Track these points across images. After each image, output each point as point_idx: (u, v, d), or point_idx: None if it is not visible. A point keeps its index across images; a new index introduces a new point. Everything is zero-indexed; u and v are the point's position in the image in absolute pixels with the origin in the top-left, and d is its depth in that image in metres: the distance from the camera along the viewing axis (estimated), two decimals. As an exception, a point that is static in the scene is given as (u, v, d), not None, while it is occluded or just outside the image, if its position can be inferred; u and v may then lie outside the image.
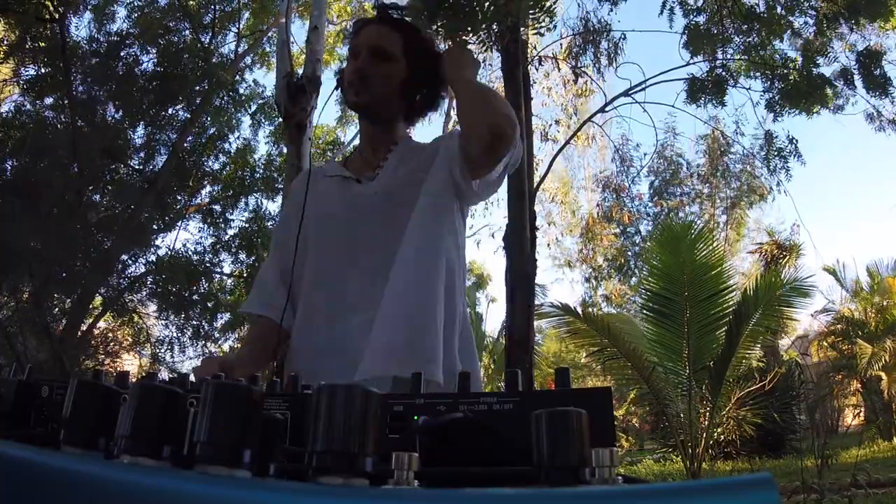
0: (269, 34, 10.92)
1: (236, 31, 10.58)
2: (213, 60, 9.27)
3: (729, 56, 7.06)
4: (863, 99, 6.95)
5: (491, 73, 10.20)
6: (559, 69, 8.79)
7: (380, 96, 1.37)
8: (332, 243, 1.34)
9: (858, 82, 6.77)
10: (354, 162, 1.46)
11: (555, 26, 5.67)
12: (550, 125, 10.04)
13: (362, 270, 1.28)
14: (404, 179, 1.35)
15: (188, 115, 9.33)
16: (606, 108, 7.50)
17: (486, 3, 1.42)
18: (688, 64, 7.03)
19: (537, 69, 8.15)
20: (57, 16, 7.88)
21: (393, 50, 1.36)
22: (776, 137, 7.27)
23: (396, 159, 1.40)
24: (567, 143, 8.49)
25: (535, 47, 8.03)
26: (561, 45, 8.18)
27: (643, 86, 7.21)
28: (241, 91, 10.34)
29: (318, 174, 1.46)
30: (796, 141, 7.21)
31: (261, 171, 10.45)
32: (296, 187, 1.48)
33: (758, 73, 6.97)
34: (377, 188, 1.36)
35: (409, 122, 1.49)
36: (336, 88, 1.48)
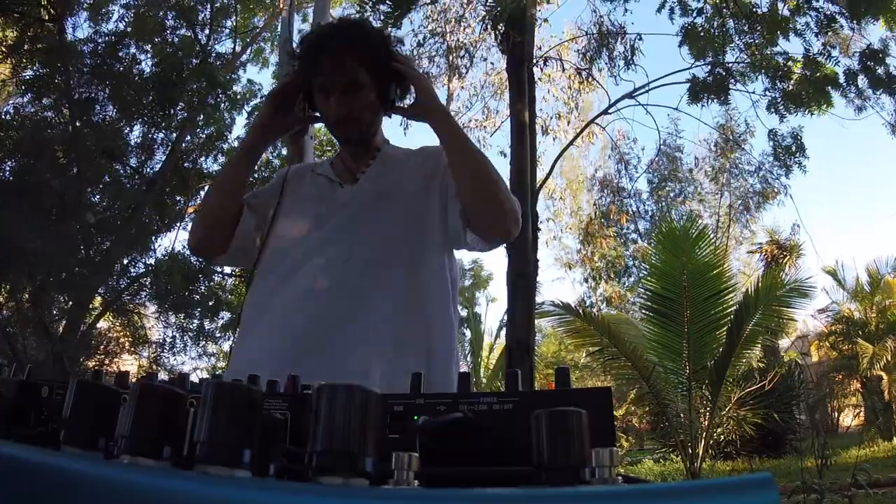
0: (266, 31, 10.88)
1: (231, 27, 10.53)
2: (210, 59, 9.24)
3: (730, 56, 7.02)
4: (868, 103, 6.91)
5: (495, 74, 10.20)
6: (563, 69, 8.75)
7: (366, 125, 1.43)
8: (301, 236, 1.38)
9: (862, 85, 6.73)
10: (337, 166, 1.51)
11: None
12: (551, 118, 9.95)
13: (317, 265, 1.32)
14: (382, 190, 1.40)
15: (185, 115, 9.30)
16: (610, 111, 7.50)
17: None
18: (692, 66, 7.01)
19: (542, 69, 8.11)
20: (55, 14, 7.88)
21: (362, 78, 1.37)
22: (783, 137, 7.25)
23: (377, 170, 1.45)
24: (570, 144, 8.47)
25: (539, 47, 7.99)
26: (574, 49, 8.15)
27: (647, 88, 7.19)
28: (237, 90, 10.30)
29: (310, 170, 1.53)
30: (800, 133, 7.20)
31: (260, 171, 10.42)
32: (278, 178, 1.54)
33: (759, 74, 6.94)
34: (353, 195, 1.40)
35: (387, 115, 1.52)
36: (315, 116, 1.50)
